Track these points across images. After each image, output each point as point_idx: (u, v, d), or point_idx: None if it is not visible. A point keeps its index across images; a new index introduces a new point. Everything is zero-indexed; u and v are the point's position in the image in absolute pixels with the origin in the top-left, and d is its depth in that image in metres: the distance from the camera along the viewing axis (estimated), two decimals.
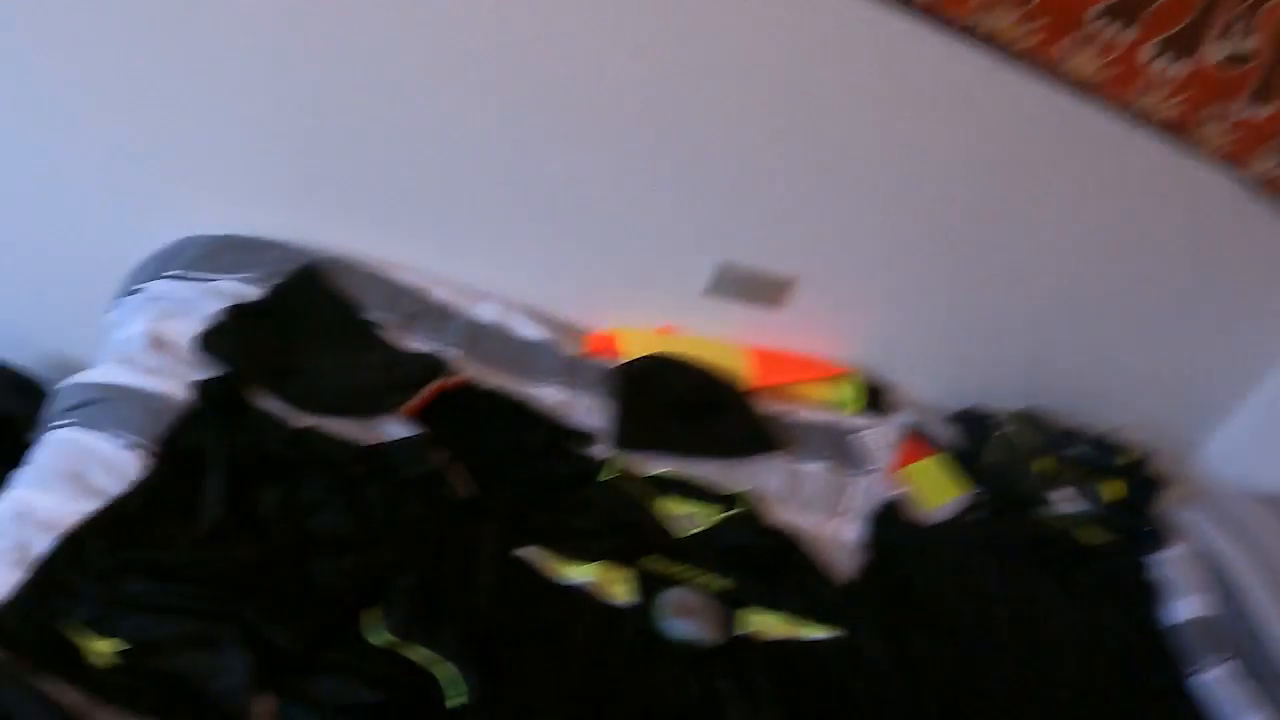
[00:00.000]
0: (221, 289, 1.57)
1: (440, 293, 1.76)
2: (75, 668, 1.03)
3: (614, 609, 1.34)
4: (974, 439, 1.91)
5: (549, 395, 1.65)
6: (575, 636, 1.29)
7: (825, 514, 1.66)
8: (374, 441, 1.45)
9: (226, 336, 1.47)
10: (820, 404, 1.84)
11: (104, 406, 1.35)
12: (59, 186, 1.69)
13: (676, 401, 1.66)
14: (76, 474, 1.25)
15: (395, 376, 1.54)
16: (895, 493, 1.73)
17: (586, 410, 1.65)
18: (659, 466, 1.58)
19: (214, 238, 1.67)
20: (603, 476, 1.52)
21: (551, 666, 1.25)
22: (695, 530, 1.49)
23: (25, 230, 1.77)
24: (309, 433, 1.41)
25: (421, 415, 1.51)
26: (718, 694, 1.28)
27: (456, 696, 1.15)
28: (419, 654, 1.18)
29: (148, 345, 1.45)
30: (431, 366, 1.58)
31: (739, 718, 1.26)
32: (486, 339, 1.72)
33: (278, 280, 1.61)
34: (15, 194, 1.71)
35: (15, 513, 1.20)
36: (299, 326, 1.56)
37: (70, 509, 1.19)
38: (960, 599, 1.58)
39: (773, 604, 1.42)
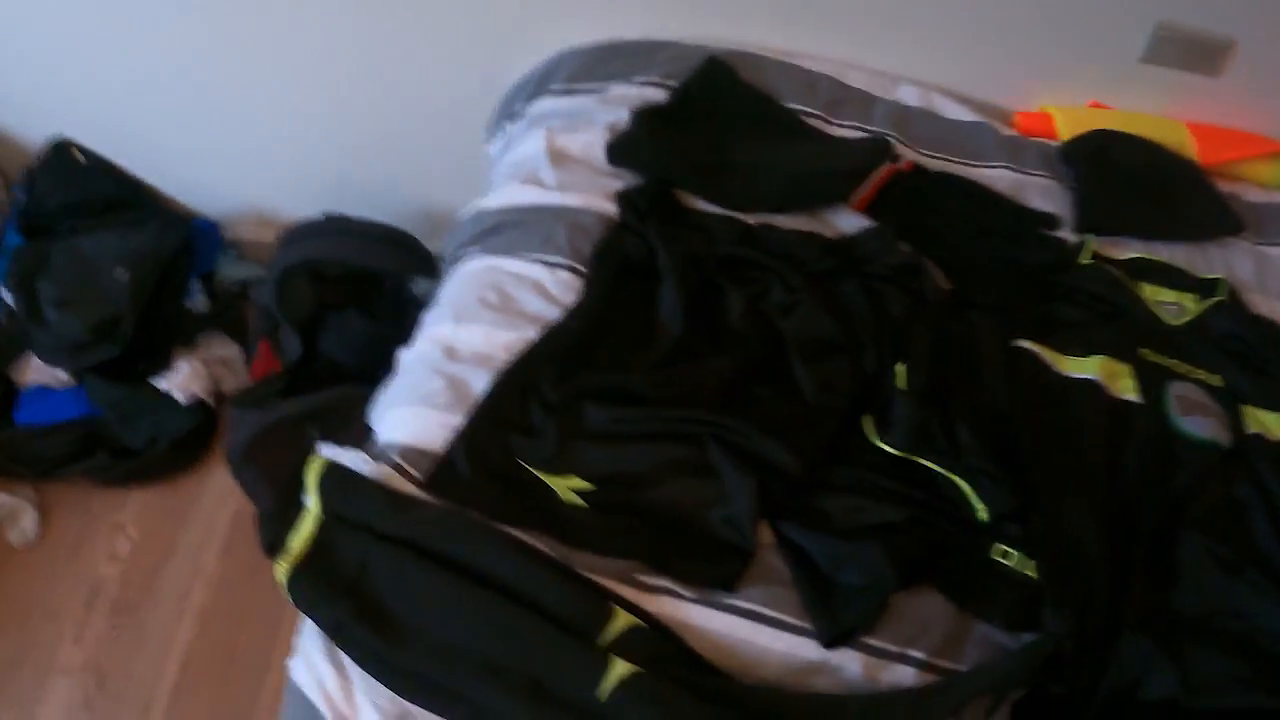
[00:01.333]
0: (618, 95, 1.50)
1: (856, 78, 1.68)
2: (545, 512, 0.95)
3: (1126, 404, 1.28)
4: None
5: (999, 178, 1.58)
6: (1093, 436, 1.23)
7: None
8: (832, 235, 1.39)
9: (639, 142, 1.41)
10: (1265, 184, 1.73)
11: (518, 230, 1.30)
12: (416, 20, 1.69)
13: (1135, 179, 1.57)
14: (502, 302, 1.18)
15: (841, 163, 1.48)
16: None
17: (1041, 192, 1.57)
18: (1128, 250, 1.51)
19: (593, 47, 1.61)
20: (1082, 259, 1.46)
21: (1073, 469, 1.18)
22: (1184, 319, 1.43)
23: (385, 80, 1.81)
24: (765, 229, 1.36)
25: (875, 205, 1.45)
26: (1238, 502, 1.21)
27: (983, 510, 1.08)
28: (936, 464, 1.11)
29: (550, 162, 1.38)
30: (879, 149, 1.51)
31: (1265, 530, 1.18)
32: (916, 122, 1.65)
33: (680, 79, 1.54)
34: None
35: (441, 350, 1.12)
36: (719, 122, 1.50)
37: (503, 339, 1.11)
38: None
39: (1275, 402, 1.34)
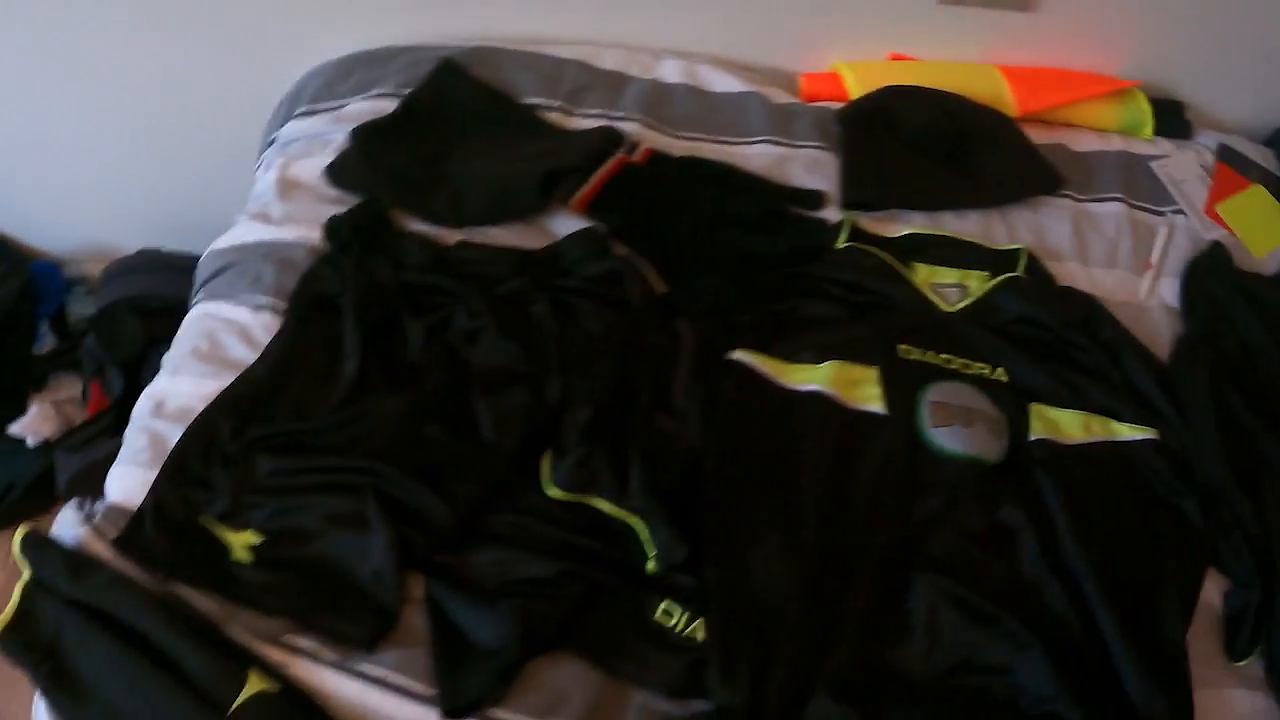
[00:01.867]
0: (351, 112, 1.36)
1: (610, 59, 1.47)
2: (215, 569, 0.91)
3: (866, 418, 1.05)
4: None
5: (758, 155, 1.34)
6: (813, 461, 1.01)
7: (1130, 269, 1.29)
8: (543, 244, 1.20)
9: (354, 162, 1.27)
10: (1102, 129, 1.45)
11: (236, 270, 1.19)
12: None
13: (922, 140, 1.31)
14: (211, 350, 1.10)
15: (561, 162, 1.26)
16: (1214, 237, 1.34)
17: (809, 166, 1.33)
18: (908, 226, 1.26)
19: (337, 61, 1.47)
20: (839, 244, 1.21)
21: (780, 504, 0.98)
22: (964, 304, 1.17)
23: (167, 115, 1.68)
24: (459, 248, 1.19)
25: (598, 204, 1.24)
26: (1002, 528, 0.99)
27: (654, 560, 0.93)
28: (606, 506, 0.96)
29: (279, 193, 1.27)
30: (605, 140, 1.30)
31: (1034, 561, 0.96)
32: (673, 101, 1.42)
33: (411, 87, 1.38)
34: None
35: (151, 405, 1.07)
36: (445, 130, 1.33)
37: (207, 390, 1.05)
38: None
39: (1073, 396, 1.09)
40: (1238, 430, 1.09)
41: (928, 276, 1.20)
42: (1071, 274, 1.25)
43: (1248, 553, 1.01)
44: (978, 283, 1.19)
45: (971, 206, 1.28)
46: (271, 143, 1.44)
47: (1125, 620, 0.92)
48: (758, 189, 1.29)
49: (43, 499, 1.82)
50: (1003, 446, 1.04)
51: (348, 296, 1.10)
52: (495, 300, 1.11)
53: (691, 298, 1.14)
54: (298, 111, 1.41)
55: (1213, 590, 1.02)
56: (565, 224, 1.23)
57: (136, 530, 0.94)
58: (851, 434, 1.03)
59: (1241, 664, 0.98)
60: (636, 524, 0.94)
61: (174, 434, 1.01)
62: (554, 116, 1.38)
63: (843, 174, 1.29)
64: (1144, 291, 1.26)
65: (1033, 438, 1.05)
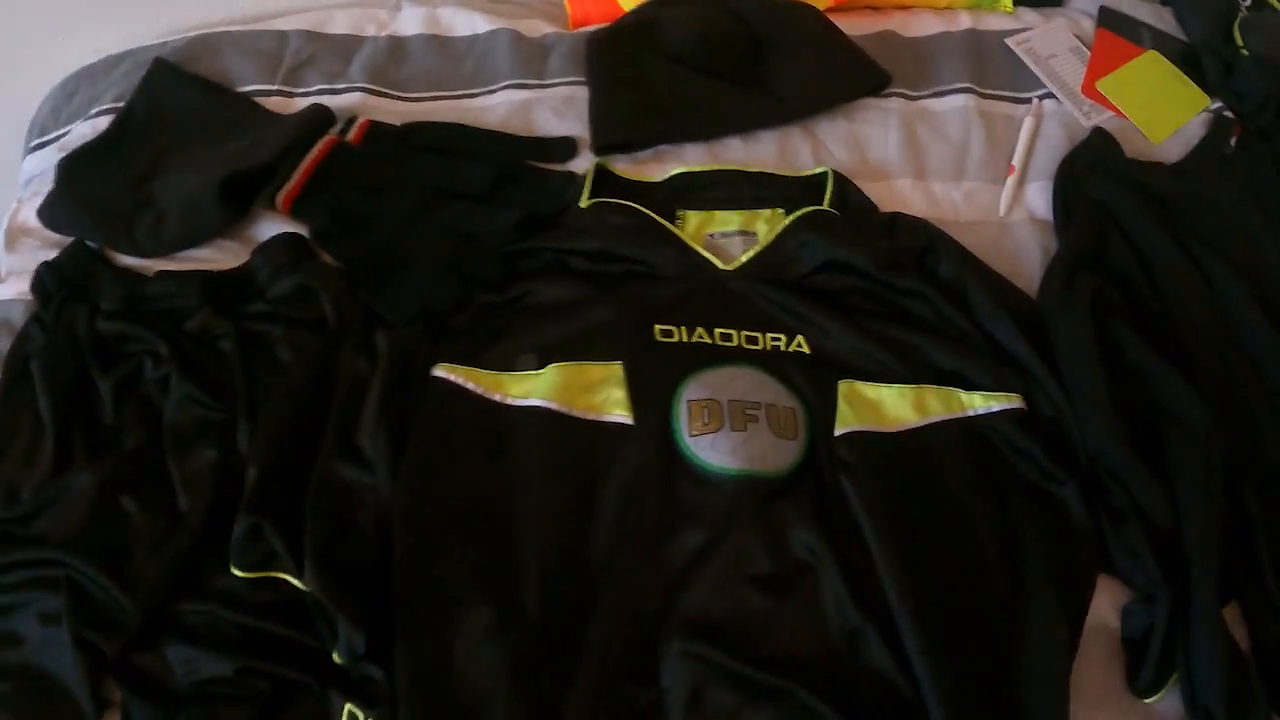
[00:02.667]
0: (74, 139, 1.14)
1: (341, 21, 1.20)
2: None
3: (604, 433, 0.78)
4: (1208, 23, 1.15)
5: (499, 105, 1.07)
6: (530, 502, 0.75)
7: (984, 178, 1.00)
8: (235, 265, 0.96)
9: (62, 198, 1.06)
10: (946, 6, 1.15)
11: None
12: None
13: (697, 54, 1.03)
14: None
15: (247, 162, 1.01)
16: (1096, 122, 1.04)
17: (557, 109, 1.05)
18: (678, 164, 0.97)
19: (62, 82, 1.23)
20: (582, 202, 0.92)
21: (493, 566, 0.73)
22: (749, 256, 0.88)
23: None
24: (152, 282, 0.96)
25: (304, 200, 0.98)
26: (797, 563, 0.72)
27: (335, 649, 0.71)
28: (296, 581, 0.74)
29: (6, 244, 1.07)
30: (307, 125, 1.04)
31: (839, 604, 0.70)
32: (409, 58, 1.15)
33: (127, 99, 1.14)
34: None
35: None
36: (157, 145, 1.10)
37: None
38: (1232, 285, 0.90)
39: (902, 365, 0.81)
40: (1134, 381, 0.81)
41: (701, 226, 0.92)
42: (904, 194, 0.96)
43: (1149, 551, 0.72)
44: (769, 225, 0.90)
45: (764, 126, 0.99)
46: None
47: (961, 673, 0.65)
48: (491, 149, 1.01)
49: None
50: (793, 451, 0.76)
51: (36, 359, 0.91)
52: (179, 340, 0.89)
53: (391, 305, 0.87)
54: (31, 145, 1.19)
55: (1107, 604, 0.73)
56: (271, 230, 0.97)
57: None
58: (587, 457, 0.76)
59: (1151, 700, 0.71)
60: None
61: None
62: (274, 103, 1.12)
63: (592, 112, 1.00)
64: (1005, 205, 0.97)
65: (840, 431, 0.77)
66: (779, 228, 0.88)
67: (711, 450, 0.75)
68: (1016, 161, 0.99)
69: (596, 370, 0.80)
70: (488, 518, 0.74)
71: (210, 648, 0.74)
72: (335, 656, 0.71)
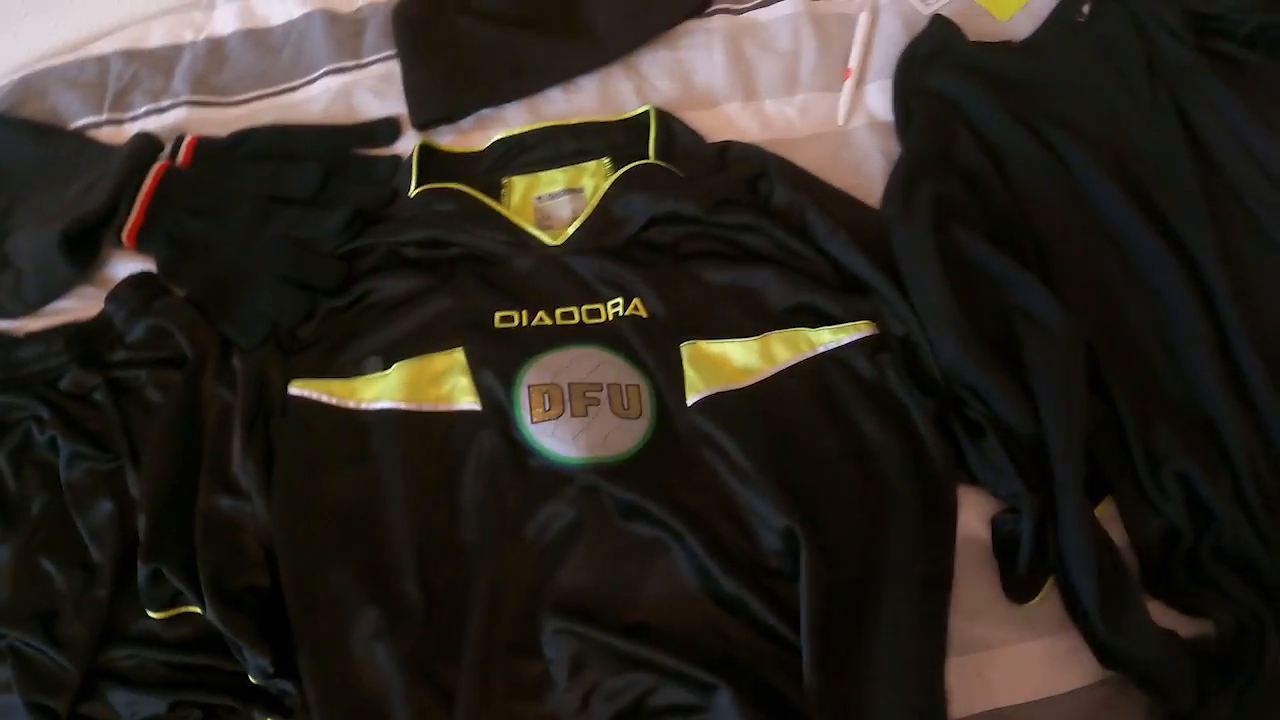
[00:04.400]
0: None
1: (158, 33, 1.14)
2: None
3: (456, 423, 0.78)
4: None
5: (319, 95, 1.03)
6: (396, 502, 0.76)
7: (819, 87, 0.96)
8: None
9: None
10: None
11: None
12: None
13: (509, 6, 0.99)
14: None
15: (100, 201, 0.97)
16: (936, 9, 0.99)
17: (375, 89, 1.01)
18: (501, 128, 0.94)
19: None
20: (412, 191, 0.89)
21: (373, 568, 0.74)
22: (575, 226, 0.86)
23: None
24: (22, 343, 0.94)
25: (146, 233, 0.95)
26: (656, 545, 0.72)
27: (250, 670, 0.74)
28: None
29: None
30: (138, 154, 1.00)
31: (700, 571, 0.71)
32: (228, 59, 1.10)
33: None
34: None
35: None
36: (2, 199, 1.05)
37: None
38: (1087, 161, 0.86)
39: (742, 313, 0.80)
40: (985, 286, 0.80)
41: (528, 191, 0.90)
42: (733, 118, 0.93)
43: (1009, 462, 0.71)
44: (594, 178, 0.87)
45: (584, 71, 0.96)
46: None
47: (827, 624, 0.67)
48: (316, 144, 0.98)
49: None
50: (639, 431, 0.76)
51: None
52: (56, 401, 0.89)
53: (240, 329, 0.86)
54: None
55: (974, 517, 0.72)
56: (130, 270, 0.95)
57: None
58: (443, 447, 0.77)
59: (1030, 604, 0.72)
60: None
61: None
62: (105, 133, 1.08)
63: (406, 87, 0.96)
64: (843, 112, 0.93)
65: (692, 399, 0.76)
66: (604, 185, 0.86)
67: (553, 438, 0.75)
68: (853, 64, 0.96)
69: (440, 361, 0.79)
70: (360, 523, 0.75)
71: (145, 689, 0.77)
72: (250, 677, 0.73)
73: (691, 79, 0.96)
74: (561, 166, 0.89)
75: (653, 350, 0.78)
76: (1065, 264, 0.81)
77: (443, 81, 0.95)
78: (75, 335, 0.91)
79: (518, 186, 0.89)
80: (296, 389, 0.80)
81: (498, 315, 0.81)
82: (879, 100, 0.94)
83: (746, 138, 0.91)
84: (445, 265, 0.85)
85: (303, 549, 0.74)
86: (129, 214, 0.95)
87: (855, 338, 0.77)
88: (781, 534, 0.70)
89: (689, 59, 0.97)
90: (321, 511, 0.75)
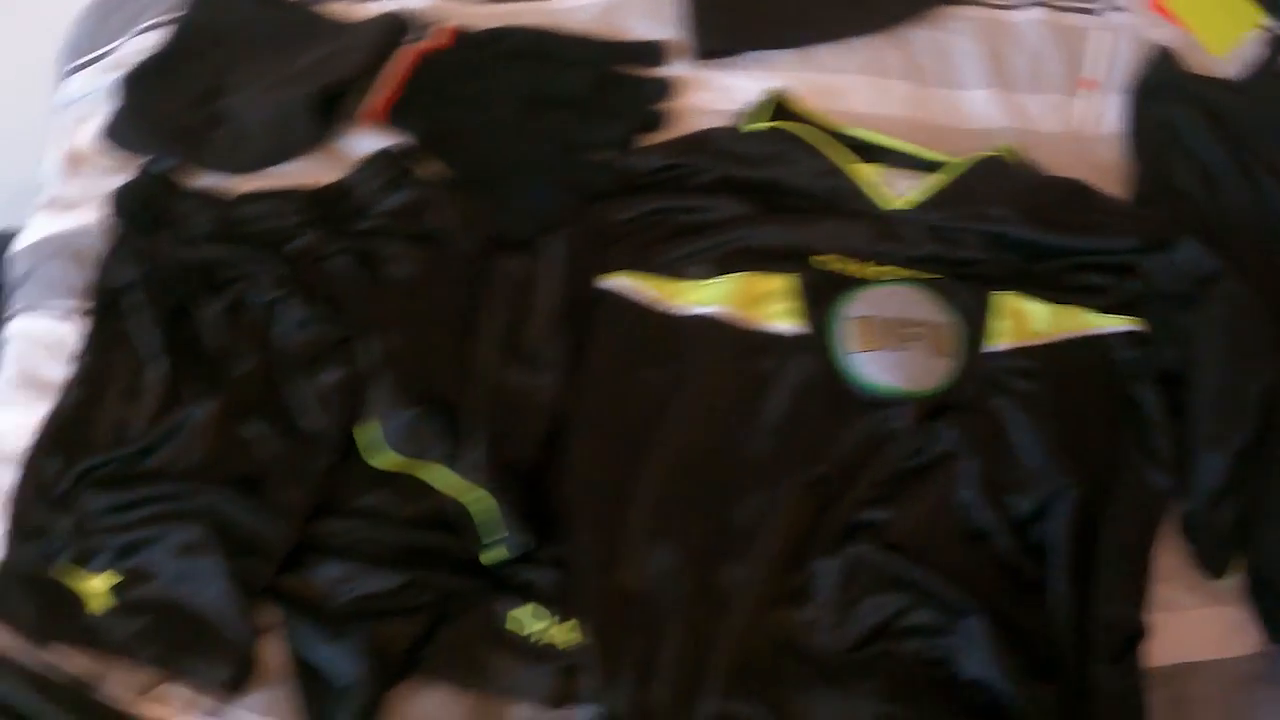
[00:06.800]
0: (125, 55, 1.11)
1: None
2: (75, 624, 0.80)
3: (772, 342, 0.83)
4: None
5: (582, 7, 1.06)
6: (703, 402, 0.80)
7: (1059, 90, 1.03)
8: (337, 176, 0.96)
9: (128, 117, 1.02)
10: None
11: (37, 275, 0.99)
12: None
13: None
14: (29, 375, 0.93)
15: (336, 73, 0.99)
16: (1163, 35, 1.07)
17: (647, 11, 1.04)
18: (765, 70, 0.99)
19: (97, 3, 1.19)
20: (757, 127, 0.95)
21: (662, 463, 0.78)
22: (919, 195, 0.90)
23: None
24: (242, 202, 0.96)
25: (401, 110, 0.98)
26: (941, 455, 0.78)
27: (494, 547, 0.76)
28: (438, 476, 0.79)
29: (65, 170, 1.05)
30: (385, 32, 1.02)
31: (974, 493, 0.76)
32: None
33: (180, 12, 1.10)
34: None
35: None
36: (219, 58, 1.07)
37: (32, 423, 0.88)
38: None
39: (1046, 281, 0.85)
40: None
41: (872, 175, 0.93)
42: (982, 106, 0.99)
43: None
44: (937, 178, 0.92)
45: (855, 34, 1.01)
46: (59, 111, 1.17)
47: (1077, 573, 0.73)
48: (579, 53, 1.01)
49: None
50: (948, 368, 0.81)
51: (133, 292, 0.91)
52: (285, 263, 0.90)
53: (515, 219, 0.89)
54: (70, 67, 1.15)
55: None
56: (367, 144, 0.97)
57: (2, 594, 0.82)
58: (756, 364, 0.81)
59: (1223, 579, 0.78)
60: (472, 503, 0.77)
61: (8, 475, 0.86)
62: (338, 8, 1.09)
63: (693, 17, 1.01)
64: (1078, 117, 1.01)
65: (991, 347, 0.82)
66: (960, 169, 0.91)
67: (871, 369, 0.80)
68: (1091, 75, 1.03)
69: (769, 281, 0.84)
70: (660, 420, 0.79)
71: (370, 563, 0.76)
72: (488, 555, 0.75)
73: (949, 60, 1.02)
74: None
75: (964, 295, 0.83)
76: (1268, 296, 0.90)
77: (729, 17, 1.00)
78: (314, 199, 0.92)
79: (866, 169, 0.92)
80: (613, 281, 0.84)
81: (826, 256, 0.86)
82: (1113, 114, 1.01)
83: (991, 125, 0.97)
84: (777, 198, 0.90)
85: (600, 435, 0.78)
86: (376, 89, 0.97)
87: (1128, 329, 0.83)
88: (1049, 492, 0.75)
89: (947, 40, 1.03)
90: (625, 403, 0.79)
